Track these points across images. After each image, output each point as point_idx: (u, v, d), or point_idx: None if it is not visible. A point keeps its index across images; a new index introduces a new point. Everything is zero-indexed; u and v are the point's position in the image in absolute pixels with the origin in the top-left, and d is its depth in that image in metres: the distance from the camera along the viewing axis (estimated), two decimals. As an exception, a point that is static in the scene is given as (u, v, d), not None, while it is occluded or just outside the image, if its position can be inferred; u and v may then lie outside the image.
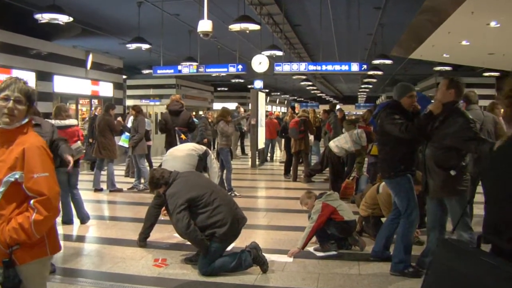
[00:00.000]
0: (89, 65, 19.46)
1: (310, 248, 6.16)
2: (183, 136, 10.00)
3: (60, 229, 7.56)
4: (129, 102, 32.03)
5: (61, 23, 12.46)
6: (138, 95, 34.00)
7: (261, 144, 16.89)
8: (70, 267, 5.64)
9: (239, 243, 6.07)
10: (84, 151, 8.06)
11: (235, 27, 13.15)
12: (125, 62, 25.00)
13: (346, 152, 9.87)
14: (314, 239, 6.11)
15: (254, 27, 13.18)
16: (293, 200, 9.65)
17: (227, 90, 43.94)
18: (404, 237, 5.19)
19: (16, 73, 15.09)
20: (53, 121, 7.63)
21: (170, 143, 9.92)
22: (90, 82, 19.84)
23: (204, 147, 7.03)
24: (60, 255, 6.05)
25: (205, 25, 11.23)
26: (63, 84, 17.85)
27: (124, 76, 30.07)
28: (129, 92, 34.14)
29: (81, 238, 7.13)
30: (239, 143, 20.26)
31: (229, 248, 5.58)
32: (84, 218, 7.93)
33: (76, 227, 7.75)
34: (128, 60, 25.54)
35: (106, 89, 21.06)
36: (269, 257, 5.68)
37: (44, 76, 16.75)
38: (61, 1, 12.43)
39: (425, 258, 5.09)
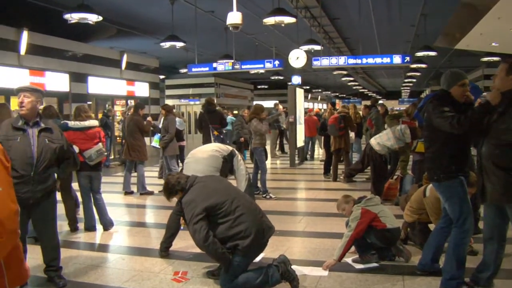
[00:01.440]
0: (123, 65, 19.13)
1: (348, 259, 5.48)
2: (216, 132, 11.20)
3: (82, 237, 7.17)
4: (169, 102, 31.94)
5: (91, 22, 12.16)
6: (177, 94, 33.90)
7: (300, 142, 16.25)
8: (82, 281, 5.15)
9: (270, 252, 5.52)
10: (106, 153, 7.56)
11: (270, 20, 12.55)
12: (163, 62, 24.79)
13: (388, 150, 9.07)
14: (352, 248, 5.43)
15: (290, 20, 12.56)
16: (332, 202, 8.89)
17: (267, 88, 43.45)
18: (457, 250, 4.42)
19: (50, 75, 14.99)
20: (72, 122, 7.22)
21: (206, 141, 10.88)
22: (126, 83, 19.51)
23: (230, 148, 6.39)
24: (74, 266, 5.64)
25: (234, 17, 10.65)
26: (97, 85, 17.57)
27: (162, 76, 30.03)
28: (168, 92, 34.12)
29: (100, 247, 6.66)
30: (278, 141, 19.63)
31: (257, 260, 4.98)
32: (107, 225, 7.47)
33: (97, 234, 7.30)
34: (166, 60, 25.35)
35: (142, 89, 20.70)
36: (301, 270, 5.10)
37: (78, 78, 16.49)
38: (94, 1, 12.19)
39: (481, 274, 4.37)
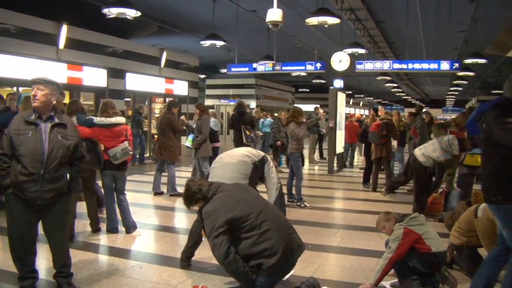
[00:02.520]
0: (163, 62, 18.91)
1: (386, 283, 4.88)
2: (248, 132, 12.17)
3: (103, 239, 6.82)
4: (208, 102, 31.94)
5: (129, 17, 11.94)
6: (217, 94, 33.71)
7: (339, 148, 15.65)
8: (93, 292, 4.75)
9: (299, 269, 5.04)
10: (131, 152, 7.17)
11: (313, 20, 12.04)
12: (204, 62, 24.58)
13: (434, 162, 8.38)
14: (391, 272, 4.85)
15: (333, 20, 12.02)
16: (370, 214, 8.45)
17: (308, 91, 42.90)
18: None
19: (87, 70, 14.85)
20: (98, 119, 6.86)
21: (237, 140, 12.25)
22: (164, 80, 19.29)
23: (262, 153, 5.86)
24: (88, 272, 5.29)
25: (274, 14, 10.18)
26: (135, 81, 17.38)
27: (203, 76, 29.86)
28: (208, 91, 33.95)
29: (119, 252, 6.24)
30: (317, 147, 19.05)
31: (284, 278, 4.48)
32: (129, 227, 7.09)
33: (119, 238, 6.92)
34: (207, 60, 25.13)
35: (181, 88, 20.46)
36: (333, 293, 4.56)
37: (116, 73, 16.32)
38: (135, -1, 11.95)
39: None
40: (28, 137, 4.29)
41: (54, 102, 4.52)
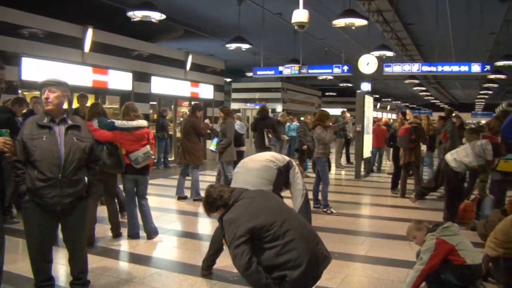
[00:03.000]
0: (188, 66, 18.84)
1: (418, 297, 4.65)
2: (270, 135, 12.38)
3: (123, 244, 6.69)
4: (234, 105, 31.81)
5: (154, 20, 11.93)
6: (243, 98, 33.59)
7: (367, 153, 15.35)
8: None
9: (325, 280, 4.81)
10: (154, 156, 7.02)
11: (340, 22, 11.85)
12: (230, 65, 24.52)
13: (466, 167, 8.04)
14: (423, 284, 4.60)
15: (361, 22, 11.81)
16: (399, 222, 8.18)
17: (335, 95, 42.56)
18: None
19: (113, 73, 14.83)
20: (119, 122, 6.73)
21: (259, 143, 12.50)
22: (190, 84, 19.21)
23: (287, 158, 5.63)
24: (106, 279, 5.16)
25: (300, 15, 9.97)
26: (161, 85, 17.32)
27: (229, 79, 29.78)
28: (235, 95, 33.86)
29: (139, 259, 6.08)
30: (344, 151, 18.75)
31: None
32: (151, 233, 6.94)
33: (140, 243, 6.76)
34: (233, 63, 25.08)
35: (207, 91, 20.37)
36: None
37: (141, 77, 16.28)
38: (161, 2, 11.98)
39: None
40: (43, 141, 4.14)
41: (66, 103, 4.38)
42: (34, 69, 12.15)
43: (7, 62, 11.30)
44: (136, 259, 6.07)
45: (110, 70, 14.94)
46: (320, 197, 9.46)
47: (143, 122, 6.89)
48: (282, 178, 5.36)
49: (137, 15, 11.60)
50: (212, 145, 11.26)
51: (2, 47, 11.45)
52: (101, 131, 6.58)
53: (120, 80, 15.33)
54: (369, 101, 15.51)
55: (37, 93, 12.56)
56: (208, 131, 10.70)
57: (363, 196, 11.89)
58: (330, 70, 18.33)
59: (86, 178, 4.37)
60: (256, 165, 5.30)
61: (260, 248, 3.79)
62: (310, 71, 18.43)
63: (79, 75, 13.66)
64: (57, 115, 4.28)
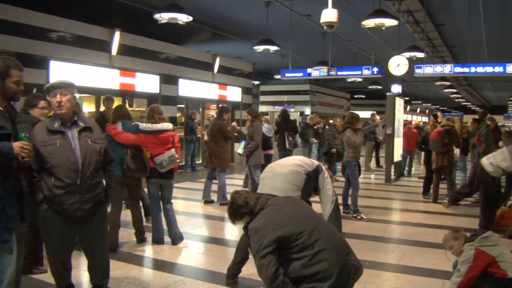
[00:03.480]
0: (216, 68, 18.74)
1: (455, 310, 4.38)
2: (290, 138, 13.05)
3: (147, 250, 6.55)
4: (263, 108, 31.68)
5: (181, 22, 11.80)
6: (272, 101, 33.42)
7: (397, 156, 15.00)
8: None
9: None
10: (179, 160, 6.86)
11: (369, 22, 11.59)
12: (258, 68, 24.35)
13: (503, 172, 7.69)
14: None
15: (391, 22, 11.52)
16: (432, 228, 7.91)
17: (364, 97, 42.09)
18: None
19: (140, 76, 14.79)
20: (143, 125, 6.60)
21: (280, 146, 13.15)
22: (218, 87, 19.11)
23: (316, 162, 5.41)
24: (128, 287, 4.94)
25: (329, 14, 9.73)
26: (188, 88, 17.24)
27: (257, 82, 29.64)
28: (263, 98, 33.71)
29: (162, 265, 5.93)
30: (373, 154, 18.40)
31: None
32: (175, 239, 6.79)
33: (164, 249, 6.62)
34: (261, 66, 24.90)
35: (234, 94, 20.26)
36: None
37: (169, 80, 16.21)
38: (188, 5, 11.82)
39: None
40: (57, 147, 3.98)
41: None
42: (62, 72, 12.15)
43: (35, 66, 11.41)
44: (160, 265, 5.93)
45: (138, 73, 14.90)
46: (350, 202, 9.21)
47: (168, 125, 6.74)
48: (311, 184, 5.14)
49: (164, 17, 11.50)
50: (239, 148, 11.10)
51: (30, 51, 11.46)
52: (125, 134, 6.47)
53: (147, 83, 15.29)
54: (399, 103, 15.18)
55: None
56: (235, 134, 10.55)
57: (393, 201, 11.58)
58: (359, 72, 18.00)
59: (104, 181, 4.23)
60: (283, 170, 5.08)
61: (288, 258, 3.57)
62: (339, 73, 18.12)
63: (107, 78, 13.66)
64: (68, 119, 4.13)
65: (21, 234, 3.89)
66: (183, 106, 17.56)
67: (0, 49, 10.31)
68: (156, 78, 15.65)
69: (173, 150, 6.68)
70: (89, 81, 12.98)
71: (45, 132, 4.05)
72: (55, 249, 4.20)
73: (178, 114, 17.34)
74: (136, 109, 15.49)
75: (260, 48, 15.47)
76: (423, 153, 12.81)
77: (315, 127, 15.57)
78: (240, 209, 3.92)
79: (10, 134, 3.64)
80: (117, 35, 13.83)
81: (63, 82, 4.22)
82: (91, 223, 4.19)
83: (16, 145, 3.57)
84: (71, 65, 12.56)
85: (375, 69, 17.22)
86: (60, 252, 4.20)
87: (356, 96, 41.75)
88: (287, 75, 19.21)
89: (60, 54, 12.28)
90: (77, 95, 4.50)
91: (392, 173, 14.70)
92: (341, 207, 8.18)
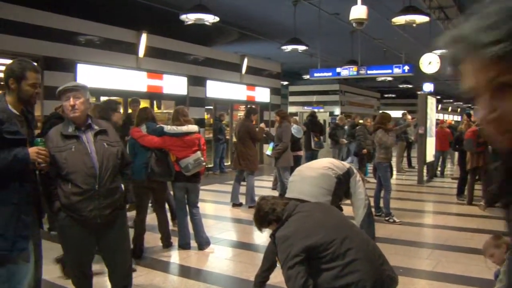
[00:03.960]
0: (244, 69, 18.60)
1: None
2: (316, 138, 13.45)
3: (173, 256, 6.41)
4: (292, 109, 31.42)
5: (207, 23, 11.72)
6: (301, 101, 33.12)
7: (430, 156, 14.63)
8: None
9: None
10: (205, 163, 6.70)
11: (400, 20, 11.31)
12: (287, 68, 24.14)
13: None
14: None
15: (422, 19, 11.24)
16: (468, 232, 7.60)
17: (395, 97, 41.50)
18: None
19: (168, 78, 14.73)
20: (168, 127, 6.46)
21: (307, 146, 13.42)
22: (246, 87, 18.97)
23: (347, 165, 5.18)
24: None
25: (358, 11, 9.50)
26: (216, 89, 17.13)
27: (286, 82, 29.42)
28: (292, 98, 33.44)
29: (188, 272, 5.79)
30: (405, 154, 18.01)
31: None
32: (202, 244, 6.64)
33: (190, 255, 6.48)
34: (290, 66, 24.68)
35: (263, 95, 20.09)
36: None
37: (196, 81, 16.13)
38: (214, 5, 11.74)
39: None
40: (72, 152, 3.82)
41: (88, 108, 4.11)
42: (89, 75, 12.15)
43: (63, 69, 11.42)
44: (185, 271, 5.79)
45: (165, 74, 14.85)
46: (381, 205, 8.95)
47: (193, 127, 6.60)
48: (342, 187, 4.91)
49: (190, 18, 11.44)
50: (268, 149, 10.93)
51: (59, 55, 11.50)
52: (149, 137, 6.33)
53: (175, 84, 15.23)
54: (431, 102, 14.82)
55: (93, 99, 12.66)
56: (264, 135, 10.38)
57: (426, 203, 11.26)
58: (389, 71, 17.62)
59: (122, 186, 4.09)
60: (313, 173, 4.87)
61: (317, 269, 3.35)
62: (368, 72, 17.78)
63: (134, 80, 13.64)
64: (83, 122, 3.99)
65: (39, 242, 3.80)
66: (211, 107, 17.46)
67: (27, 52, 10.38)
68: (184, 80, 15.58)
69: (199, 153, 6.53)
70: (117, 83, 12.97)
71: (59, 138, 3.91)
72: (75, 258, 4.07)
73: (207, 116, 17.25)
74: (164, 111, 15.45)
75: (288, 48, 15.31)
76: (456, 153, 12.44)
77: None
78: (266, 216, 3.72)
79: (25, 139, 3.57)
80: (144, 37, 13.78)
81: (76, 84, 4.08)
82: (111, 230, 4.04)
83: (32, 150, 3.50)
84: (99, 68, 12.56)
85: (406, 68, 16.84)
86: (80, 261, 4.07)
87: (386, 96, 41.19)
88: (316, 74, 18.94)
89: (88, 57, 12.28)
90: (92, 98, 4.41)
91: (425, 174, 14.35)
92: (372, 210, 7.95)
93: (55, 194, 3.90)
